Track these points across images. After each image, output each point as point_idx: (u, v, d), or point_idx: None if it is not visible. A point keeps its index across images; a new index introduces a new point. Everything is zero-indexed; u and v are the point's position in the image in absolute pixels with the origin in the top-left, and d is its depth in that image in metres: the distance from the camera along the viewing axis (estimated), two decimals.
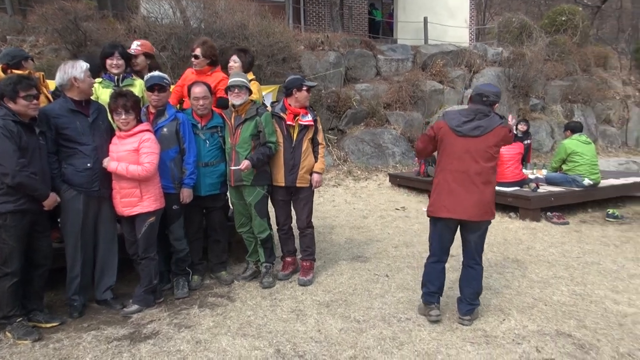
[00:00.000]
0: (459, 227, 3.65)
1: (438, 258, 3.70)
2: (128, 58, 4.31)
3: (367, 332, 3.48)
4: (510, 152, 7.02)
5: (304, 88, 4.23)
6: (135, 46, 4.48)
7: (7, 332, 3.39)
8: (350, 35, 13.44)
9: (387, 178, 9.28)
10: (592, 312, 3.75)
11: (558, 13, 15.86)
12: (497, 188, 7.00)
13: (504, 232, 6.14)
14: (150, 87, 3.91)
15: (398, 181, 9.02)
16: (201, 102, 4.11)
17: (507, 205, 6.95)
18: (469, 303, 3.61)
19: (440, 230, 3.63)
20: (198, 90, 4.10)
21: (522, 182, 7.04)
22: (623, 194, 7.56)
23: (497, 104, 3.59)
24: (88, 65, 3.75)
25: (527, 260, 5.01)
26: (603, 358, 3.09)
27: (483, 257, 4.69)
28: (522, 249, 5.41)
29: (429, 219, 3.72)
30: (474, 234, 3.58)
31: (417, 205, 7.73)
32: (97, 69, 4.20)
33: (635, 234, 5.97)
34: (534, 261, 4.98)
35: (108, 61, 4.21)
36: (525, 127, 9.22)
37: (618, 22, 24.49)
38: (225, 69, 4.68)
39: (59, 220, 3.89)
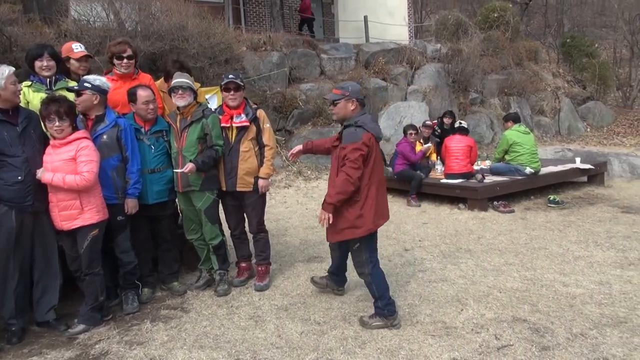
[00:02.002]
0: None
1: (377, 262, 3.61)
2: (59, 59, 4.01)
3: (328, 334, 3.43)
4: (458, 145, 7.20)
5: (222, 88, 4.08)
6: (82, 48, 4.12)
7: None
8: (292, 35, 13.38)
9: None
10: (544, 296, 3.88)
11: (490, 10, 16.52)
12: (445, 181, 7.23)
13: (455, 223, 6.28)
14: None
15: None
16: (151, 105, 3.91)
17: (456, 197, 7.12)
18: None
19: (374, 237, 3.57)
20: (146, 94, 3.89)
21: (469, 174, 7.23)
22: (562, 180, 7.95)
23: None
24: (12, 70, 3.42)
25: (478, 249, 5.14)
26: (558, 340, 3.18)
27: (437, 249, 4.81)
28: (473, 238, 5.54)
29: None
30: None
31: None
32: (26, 73, 3.89)
33: (576, 217, 6.27)
34: (485, 250, 5.11)
35: (37, 63, 3.89)
36: (450, 120, 9.08)
37: (544, 18, 25.93)
38: (161, 72, 4.43)
39: None
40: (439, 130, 9.11)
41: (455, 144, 7.28)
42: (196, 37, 9.87)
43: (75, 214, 3.48)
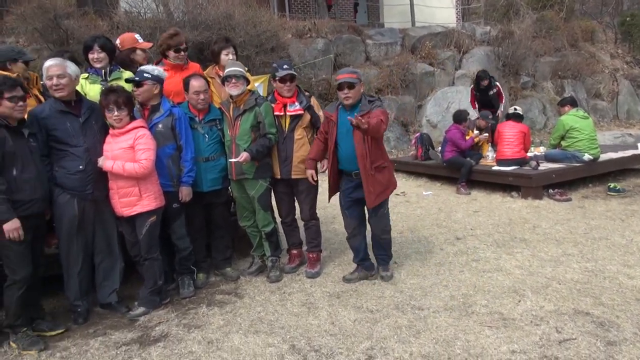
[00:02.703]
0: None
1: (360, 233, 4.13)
2: (111, 50, 4.12)
3: (381, 322, 3.41)
4: (511, 131, 6.96)
5: (277, 79, 4.06)
6: (141, 39, 4.25)
7: (11, 343, 3.27)
8: (337, 22, 13.26)
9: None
10: (607, 289, 3.70)
11: None
12: (497, 168, 7.01)
13: (508, 211, 6.09)
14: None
15: (395, 166, 8.92)
16: (202, 96, 3.97)
17: (508, 185, 6.90)
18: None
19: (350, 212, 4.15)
20: (198, 84, 3.94)
21: (522, 160, 6.97)
22: (623, 167, 7.54)
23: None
24: (53, 62, 3.46)
25: (534, 239, 4.96)
26: (625, 335, 3.04)
27: (490, 238, 4.69)
28: (528, 228, 5.36)
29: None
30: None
31: (416, 190, 7.66)
32: (85, 64, 4.04)
33: (639, 206, 5.94)
34: (541, 240, 4.93)
35: (90, 55, 4.04)
36: (487, 82, 8.49)
37: None
38: (209, 61, 4.50)
39: (53, 225, 3.75)
40: (477, 94, 8.83)
41: (509, 129, 7.02)
42: (242, 25, 9.96)
43: (134, 201, 3.60)
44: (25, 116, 3.36)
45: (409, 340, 3.15)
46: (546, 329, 3.17)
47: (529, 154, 7.42)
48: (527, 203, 6.40)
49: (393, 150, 10.84)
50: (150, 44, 4.25)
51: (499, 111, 8.92)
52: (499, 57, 13.01)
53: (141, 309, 3.72)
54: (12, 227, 3.08)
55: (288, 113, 4.09)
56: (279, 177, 4.17)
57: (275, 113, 4.09)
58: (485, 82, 8.56)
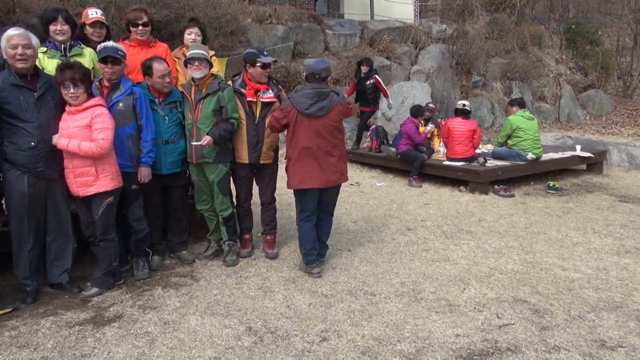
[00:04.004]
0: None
1: (309, 218, 4.08)
2: (74, 24, 3.98)
3: (335, 306, 3.54)
4: (461, 129, 7.25)
5: (258, 64, 4.09)
6: (99, 15, 4.07)
7: None
8: (298, 9, 13.22)
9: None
10: (544, 279, 4.00)
11: None
12: (448, 163, 7.31)
13: (456, 205, 6.38)
14: (104, 59, 3.66)
15: (350, 157, 9.09)
16: (167, 79, 3.92)
17: (457, 179, 7.21)
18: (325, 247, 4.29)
19: (308, 198, 4.04)
20: (162, 67, 3.89)
21: (472, 158, 7.30)
22: (562, 167, 8.05)
23: (328, 77, 4.03)
24: (17, 32, 3.33)
25: (479, 231, 5.25)
26: (557, 321, 3.31)
27: (439, 230, 4.95)
28: (474, 221, 5.66)
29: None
30: (332, 194, 4.18)
31: (370, 181, 7.86)
32: (42, 38, 3.87)
33: (575, 204, 6.40)
34: (486, 232, 5.22)
35: (51, 27, 3.88)
36: (367, 68, 8.66)
37: (549, 1, 25.66)
38: (165, 40, 4.44)
39: (2, 202, 3.63)
40: (357, 81, 8.83)
41: (459, 127, 7.32)
42: (202, 6, 9.78)
43: (90, 181, 3.53)
44: None
45: (361, 323, 3.29)
46: (488, 314, 3.41)
47: (478, 151, 7.78)
48: (474, 197, 6.73)
49: (348, 141, 11.02)
50: (93, 19, 4.03)
51: (383, 110, 8.86)
52: (453, 55, 13.44)
53: (94, 290, 3.67)
54: None
55: (261, 100, 4.12)
56: (246, 161, 4.20)
57: (248, 99, 4.11)
58: (365, 68, 8.60)
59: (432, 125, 8.48)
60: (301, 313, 3.43)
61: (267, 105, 4.18)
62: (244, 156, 4.20)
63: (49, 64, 3.77)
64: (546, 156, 7.78)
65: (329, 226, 4.30)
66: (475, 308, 3.51)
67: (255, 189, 4.49)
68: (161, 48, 4.33)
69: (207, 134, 3.95)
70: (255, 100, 4.14)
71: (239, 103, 4.13)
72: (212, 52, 4.38)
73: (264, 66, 4.10)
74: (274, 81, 4.34)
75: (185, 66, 4.02)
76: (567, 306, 3.53)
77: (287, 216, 5.78)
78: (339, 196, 6.45)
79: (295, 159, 3.97)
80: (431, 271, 4.16)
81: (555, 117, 14.72)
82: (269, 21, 11.56)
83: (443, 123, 8.02)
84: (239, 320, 3.33)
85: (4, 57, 3.34)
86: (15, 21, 8.20)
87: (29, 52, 3.32)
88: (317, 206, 4.11)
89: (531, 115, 7.55)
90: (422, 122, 8.22)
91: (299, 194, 4.06)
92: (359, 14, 14.81)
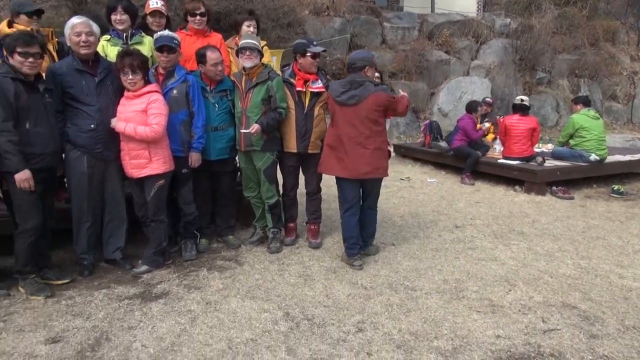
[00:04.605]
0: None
1: (351, 211, 4.05)
2: (134, 13, 4.16)
3: (374, 299, 3.52)
4: (519, 126, 6.95)
5: (308, 54, 4.12)
6: (159, 5, 4.25)
7: (20, 288, 3.43)
8: (356, 1, 13.15)
9: (392, 148, 9.23)
10: (598, 286, 3.79)
11: None
12: (503, 161, 7.05)
13: (509, 204, 6.15)
14: (160, 48, 3.81)
15: (403, 152, 8.99)
16: (219, 67, 4.03)
17: (512, 179, 6.95)
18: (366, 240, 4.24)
19: (346, 189, 4.03)
20: (215, 55, 3.98)
21: (530, 157, 6.99)
22: (628, 170, 7.55)
23: (366, 67, 3.91)
24: (80, 21, 3.56)
25: (532, 233, 5.04)
26: (608, 330, 3.13)
27: (488, 229, 4.78)
28: (528, 222, 5.43)
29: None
30: (372, 188, 4.12)
31: (421, 176, 7.73)
32: (106, 27, 4.09)
33: None
34: (539, 234, 5.00)
35: (112, 16, 4.10)
36: (486, 108, 8.42)
37: None
38: (224, 31, 4.53)
39: (65, 180, 3.87)
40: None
41: (517, 125, 7.02)
42: None
43: (144, 163, 3.69)
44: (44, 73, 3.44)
45: (399, 317, 3.26)
46: (533, 318, 3.28)
47: (537, 150, 7.45)
48: (530, 198, 6.45)
49: (402, 136, 10.89)
50: (152, 9, 4.21)
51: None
52: (517, 51, 12.92)
53: (144, 267, 3.85)
54: (23, 177, 3.19)
55: (310, 90, 4.16)
56: (294, 151, 4.25)
57: (297, 89, 4.15)
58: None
59: (489, 123, 8.22)
60: (339, 303, 3.44)
61: (315, 95, 4.21)
62: (292, 145, 4.25)
63: (112, 51, 3.98)
64: (612, 158, 7.33)
65: (371, 221, 4.25)
66: (519, 310, 3.38)
67: (302, 178, 4.53)
68: (215, 38, 4.46)
69: (256, 122, 4.02)
70: (304, 90, 4.17)
71: (288, 93, 4.18)
72: (263, 43, 4.45)
73: (314, 56, 4.13)
74: (323, 72, 4.36)
75: (237, 55, 4.11)
76: (622, 315, 3.32)
77: (334, 207, 5.78)
78: (387, 190, 6.43)
79: (327, 145, 4.03)
80: (476, 270, 4.05)
81: (627, 117, 13.82)
82: (326, 13, 11.58)
83: (501, 120, 7.74)
84: (277, 305, 3.39)
85: (68, 44, 3.55)
86: (86, 12, 8.71)
87: (91, 39, 3.52)
88: (361, 199, 4.10)
89: (596, 115, 7.13)
90: (478, 118, 7.98)
91: (339, 184, 4.06)
92: (419, 7, 14.50)
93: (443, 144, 7.90)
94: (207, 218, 4.43)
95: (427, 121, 9.14)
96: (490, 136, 7.91)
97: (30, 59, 3.22)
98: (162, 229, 3.86)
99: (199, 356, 2.76)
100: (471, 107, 7.74)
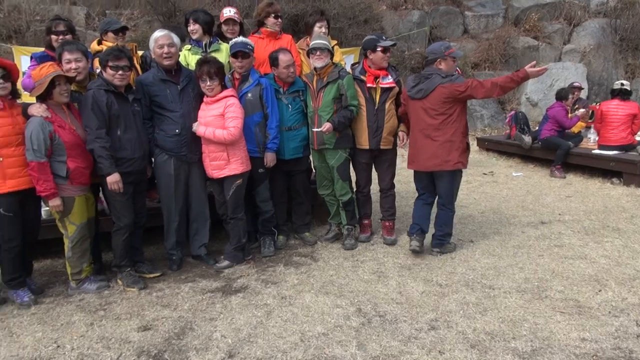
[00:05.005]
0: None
1: (420, 197, 4.25)
2: (205, 22, 4.37)
3: (449, 297, 3.45)
4: (617, 112, 6.39)
5: (379, 49, 4.12)
6: (232, 13, 4.46)
7: (118, 280, 3.79)
8: None
9: (475, 142, 8.90)
10: None
11: None
12: (598, 152, 6.52)
13: (604, 198, 5.69)
14: (234, 54, 4.01)
15: (486, 145, 8.64)
16: (291, 69, 4.15)
17: (610, 171, 6.41)
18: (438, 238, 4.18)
19: (420, 180, 4.21)
20: (287, 58, 4.11)
21: (629, 146, 6.40)
22: None
23: (438, 60, 3.92)
24: (162, 33, 3.83)
25: (630, 229, 4.63)
26: None
27: (578, 225, 4.45)
28: (625, 217, 4.99)
29: None
30: (441, 181, 4.05)
31: (506, 170, 7.37)
32: (186, 37, 4.38)
33: None
34: (637, 230, 4.58)
35: (188, 28, 4.38)
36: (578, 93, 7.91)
37: None
38: (301, 33, 4.63)
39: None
40: None
41: (615, 110, 6.45)
42: None
43: (223, 164, 3.91)
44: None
45: (474, 316, 3.16)
46: (625, 321, 3.03)
47: (638, 138, 6.80)
48: (629, 191, 5.92)
49: (486, 129, 10.46)
50: (225, 17, 4.43)
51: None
52: (616, 31, 11.86)
53: (226, 262, 4.08)
54: (113, 180, 3.51)
55: (380, 85, 4.16)
56: (367, 147, 4.28)
57: (367, 85, 4.18)
58: None
59: (583, 109, 7.63)
60: (412, 300, 3.42)
61: (386, 91, 4.19)
62: (364, 142, 4.27)
63: (192, 60, 4.24)
64: None
65: (444, 220, 4.16)
66: (610, 312, 3.13)
67: (375, 174, 4.53)
68: (286, 39, 4.60)
69: (328, 121, 4.09)
70: (374, 86, 4.17)
71: (358, 90, 4.20)
72: (333, 42, 4.51)
73: (384, 50, 4.13)
74: (393, 67, 4.32)
75: (308, 56, 4.21)
76: None
77: (410, 204, 5.70)
78: (468, 185, 6.23)
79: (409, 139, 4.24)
80: (562, 269, 3.81)
81: None
82: (403, 7, 11.42)
83: (597, 107, 7.16)
84: (350, 301, 3.43)
85: (153, 56, 3.85)
86: (176, 24, 9.33)
87: (172, 50, 3.79)
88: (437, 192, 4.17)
89: None
90: (569, 106, 7.44)
91: (414, 173, 4.25)
92: None
93: (527, 138, 7.45)
94: (283, 215, 4.59)
95: (512, 112, 8.69)
96: (581, 124, 7.32)
97: (120, 72, 3.53)
98: (240, 226, 4.06)
99: (273, 348, 2.89)
100: (561, 94, 7.25)
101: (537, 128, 8.02)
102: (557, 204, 5.55)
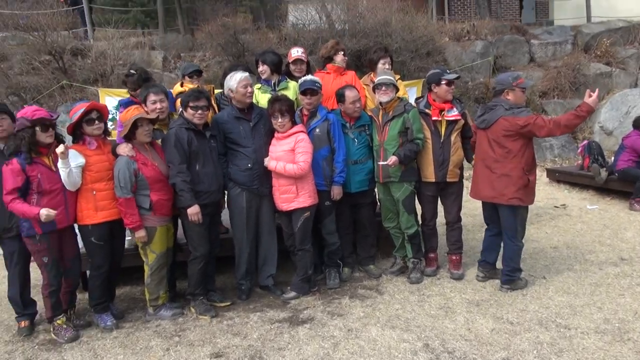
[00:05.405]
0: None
1: (487, 227, 4.30)
2: (273, 63, 4.58)
3: (521, 335, 3.33)
4: None
5: (443, 82, 4.17)
6: (300, 53, 4.69)
7: (191, 308, 3.98)
8: (499, 22, 12.68)
9: (544, 173, 8.57)
10: None
11: None
12: None
13: None
14: (303, 92, 4.20)
15: (557, 176, 8.29)
16: (357, 104, 4.28)
17: None
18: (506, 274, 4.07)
19: (486, 210, 4.24)
20: (353, 94, 4.25)
21: None
22: None
23: (505, 90, 3.91)
24: (245, 75, 4.08)
25: None
26: None
27: None
28: None
29: None
30: (501, 214, 4.02)
31: (580, 203, 7.04)
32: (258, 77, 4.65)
33: None
34: None
35: (257, 68, 4.64)
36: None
37: None
38: (364, 68, 4.77)
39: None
40: None
41: None
42: (399, 32, 10.16)
43: (292, 198, 4.05)
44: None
45: (549, 357, 3.04)
46: None
47: None
48: None
49: (557, 159, 10.05)
50: (293, 57, 4.64)
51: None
52: None
53: (293, 294, 4.18)
54: (194, 211, 3.74)
55: (446, 118, 4.20)
56: (433, 180, 4.29)
57: (433, 118, 4.23)
58: None
59: None
60: (482, 337, 3.33)
61: (451, 123, 4.22)
62: (430, 174, 4.28)
63: (262, 98, 4.48)
64: None
65: (507, 251, 4.07)
66: None
67: (440, 207, 4.51)
68: (350, 75, 4.76)
69: (393, 154, 4.15)
70: (440, 119, 4.21)
71: (424, 123, 4.25)
72: (397, 76, 4.61)
73: (449, 83, 4.18)
74: (457, 99, 4.35)
75: (374, 91, 4.32)
76: None
77: (478, 237, 5.58)
78: (539, 219, 6.03)
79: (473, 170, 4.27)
80: None
81: None
82: (466, 38, 11.37)
83: None
84: (417, 336, 3.40)
85: (231, 94, 4.07)
86: (244, 64, 9.84)
87: (251, 89, 4.06)
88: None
89: None
90: None
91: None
92: (572, 18, 13.44)
93: (604, 173, 7.08)
94: (349, 248, 4.64)
95: (585, 142, 8.32)
96: None
97: (200, 111, 3.81)
98: (308, 257, 4.16)
99: None
100: (639, 122, 6.88)
101: (612, 158, 7.61)
102: (639, 240, 5.22)
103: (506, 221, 4.01)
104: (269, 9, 15.07)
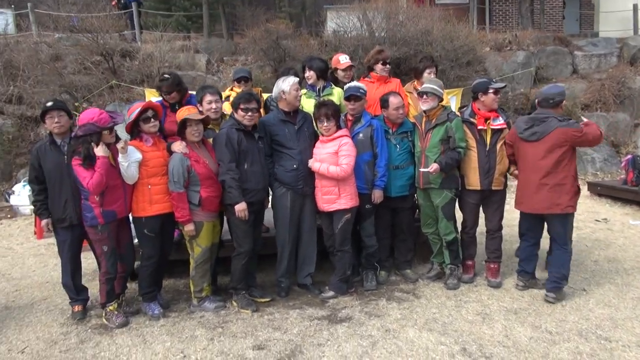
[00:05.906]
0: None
1: (524, 237, 4.31)
2: (318, 69, 4.69)
3: (560, 345, 3.34)
4: None
5: (490, 91, 4.22)
6: (347, 59, 4.84)
7: (233, 301, 4.14)
8: (542, 32, 12.53)
9: (586, 187, 8.42)
10: None
11: None
12: None
13: None
14: (348, 97, 4.31)
15: (599, 190, 8.15)
16: (400, 111, 4.37)
17: None
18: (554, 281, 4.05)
19: (526, 220, 4.25)
20: (397, 100, 4.35)
21: None
22: None
23: (561, 103, 4.04)
24: (297, 79, 4.26)
25: None
26: None
27: None
28: None
29: None
30: (551, 223, 4.09)
31: (622, 218, 6.90)
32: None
33: None
34: None
35: (304, 74, 4.78)
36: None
37: None
38: (404, 75, 4.84)
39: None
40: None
41: None
42: (440, 40, 10.20)
43: (334, 199, 4.17)
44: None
45: None
46: None
47: None
48: None
49: (599, 173, 9.85)
50: (345, 65, 4.78)
51: None
52: None
53: (331, 293, 4.28)
54: (241, 208, 3.90)
55: (491, 127, 4.26)
56: (478, 188, 4.33)
57: (478, 127, 4.28)
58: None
59: None
60: (520, 345, 3.35)
61: (497, 132, 4.26)
62: (474, 182, 4.32)
63: (306, 103, 4.61)
64: None
65: (559, 258, 4.09)
66: None
67: (481, 216, 4.53)
68: (394, 82, 4.85)
69: (435, 162, 4.22)
70: (485, 127, 4.25)
71: (468, 132, 4.30)
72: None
73: (496, 92, 4.23)
74: (502, 109, 4.39)
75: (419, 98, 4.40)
76: None
77: (516, 247, 5.57)
78: (579, 232, 5.96)
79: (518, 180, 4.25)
80: None
81: None
82: (508, 48, 11.32)
83: None
84: (454, 340, 3.45)
85: (284, 96, 4.21)
86: (285, 68, 10.06)
87: (299, 92, 4.22)
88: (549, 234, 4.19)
89: None
90: None
91: (520, 214, 4.31)
92: (617, 30, 13.16)
93: None
94: (386, 251, 4.72)
95: (629, 156, 8.14)
96: None
97: (250, 113, 3.98)
98: (346, 258, 4.26)
99: None
100: None
101: None
102: None
103: (558, 231, 4.06)
104: (308, 15, 15.33)
